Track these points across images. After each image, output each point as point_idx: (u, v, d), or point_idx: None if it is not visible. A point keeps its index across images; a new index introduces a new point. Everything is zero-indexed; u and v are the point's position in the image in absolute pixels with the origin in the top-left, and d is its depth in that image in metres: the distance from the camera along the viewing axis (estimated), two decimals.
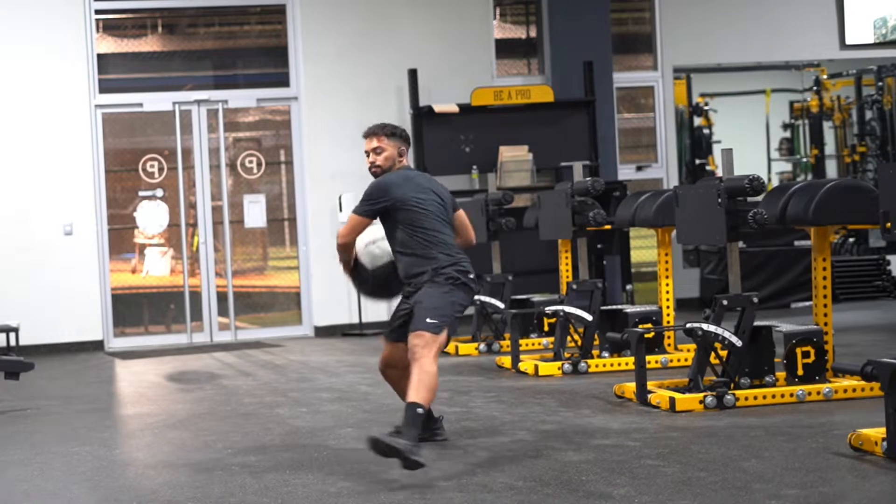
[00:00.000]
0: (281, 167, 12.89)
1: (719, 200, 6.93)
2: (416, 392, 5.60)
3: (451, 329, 5.94)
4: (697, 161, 15.86)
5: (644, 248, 13.39)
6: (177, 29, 12.97)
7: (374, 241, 6.21)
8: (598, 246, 12.06)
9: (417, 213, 5.99)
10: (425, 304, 5.85)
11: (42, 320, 11.87)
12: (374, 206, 6.01)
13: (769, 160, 17.53)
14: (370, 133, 6.22)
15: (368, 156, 6.20)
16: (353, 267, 6.22)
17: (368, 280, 6.25)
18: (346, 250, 6.14)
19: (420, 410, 5.56)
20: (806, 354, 7.06)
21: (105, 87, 12.32)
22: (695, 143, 16.01)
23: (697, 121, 16.23)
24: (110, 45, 12.60)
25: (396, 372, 6.16)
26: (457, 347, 10.08)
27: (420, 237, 5.97)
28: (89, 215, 12.10)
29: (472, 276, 6.04)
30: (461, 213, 6.28)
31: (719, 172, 8.82)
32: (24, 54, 12.00)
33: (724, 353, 7.04)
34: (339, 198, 12.29)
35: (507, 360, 9.01)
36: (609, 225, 9.47)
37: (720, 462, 5.41)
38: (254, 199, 12.65)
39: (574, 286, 9.04)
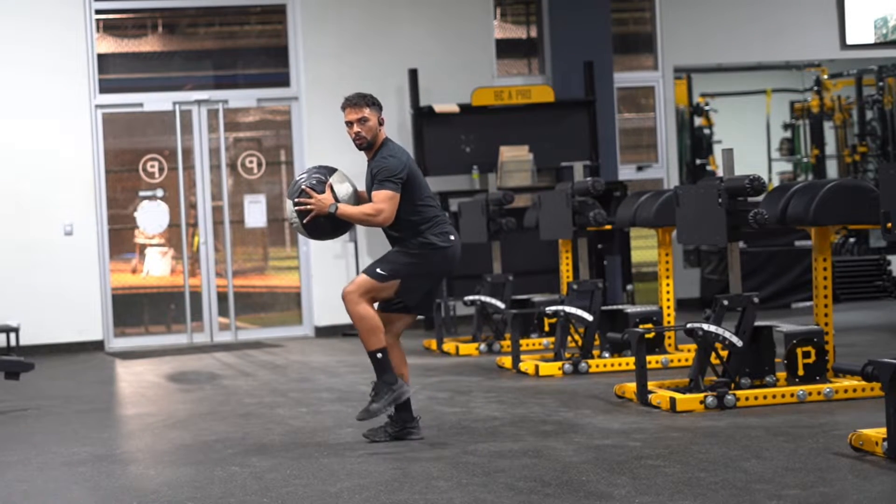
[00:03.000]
0: (281, 167, 12.88)
1: (720, 200, 6.93)
2: (364, 341, 6.13)
3: (404, 284, 6.11)
4: (698, 161, 15.84)
5: (644, 248, 13.37)
6: (177, 29, 12.96)
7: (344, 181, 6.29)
8: (599, 246, 12.05)
9: (422, 187, 6.17)
10: (384, 257, 6.18)
11: (42, 320, 11.86)
12: (402, 178, 6.07)
13: (770, 160, 17.51)
14: (352, 104, 6.17)
15: (351, 126, 6.15)
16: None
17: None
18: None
19: (379, 356, 6.07)
20: (807, 354, 7.05)
21: (105, 87, 12.32)
22: (695, 144, 15.99)
23: (698, 121, 16.21)
24: (110, 45, 12.59)
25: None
26: (457, 347, 10.08)
27: (418, 209, 6.12)
28: (89, 215, 12.09)
29: (452, 237, 6.18)
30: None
31: (720, 172, 8.82)
32: (24, 54, 11.99)
33: (724, 354, 7.04)
34: None
35: (507, 361, 9.00)
36: (609, 225, 9.46)
37: (721, 462, 5.40)
38: (254, 199, 12.64)
39: (574, 286, 9.04)
